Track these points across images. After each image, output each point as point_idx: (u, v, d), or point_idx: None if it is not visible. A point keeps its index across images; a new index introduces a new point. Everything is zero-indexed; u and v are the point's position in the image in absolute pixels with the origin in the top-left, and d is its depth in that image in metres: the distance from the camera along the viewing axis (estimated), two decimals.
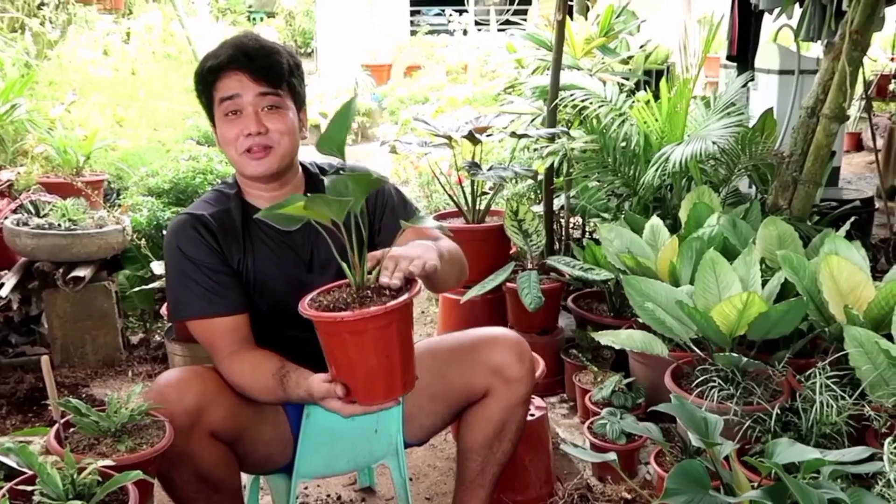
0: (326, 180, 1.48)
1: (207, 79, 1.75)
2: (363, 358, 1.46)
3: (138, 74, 6.40)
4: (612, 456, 1.82)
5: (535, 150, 3.41)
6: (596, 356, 2.77)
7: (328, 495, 2.33)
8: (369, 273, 1.49)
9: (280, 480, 1.91)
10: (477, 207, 3.20)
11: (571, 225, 3.62)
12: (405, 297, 1.45)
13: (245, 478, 1.84)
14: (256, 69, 1.72)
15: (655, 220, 2.71)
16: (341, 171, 1.91)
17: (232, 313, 1.74)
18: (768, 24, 4.46)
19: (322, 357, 1.56)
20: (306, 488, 2.35)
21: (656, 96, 3.18)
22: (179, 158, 3.93)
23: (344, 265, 1.49)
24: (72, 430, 1.62)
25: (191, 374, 1.69)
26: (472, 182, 3.16)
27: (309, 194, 1.80)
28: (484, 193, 3.28)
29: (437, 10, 11.41)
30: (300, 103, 1.81)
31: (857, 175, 6.24)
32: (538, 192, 3.58)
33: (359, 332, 1.43)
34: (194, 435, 1.62)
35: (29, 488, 1.36)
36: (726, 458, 1.68)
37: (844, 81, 2.81)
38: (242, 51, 1.72)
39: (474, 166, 3.00)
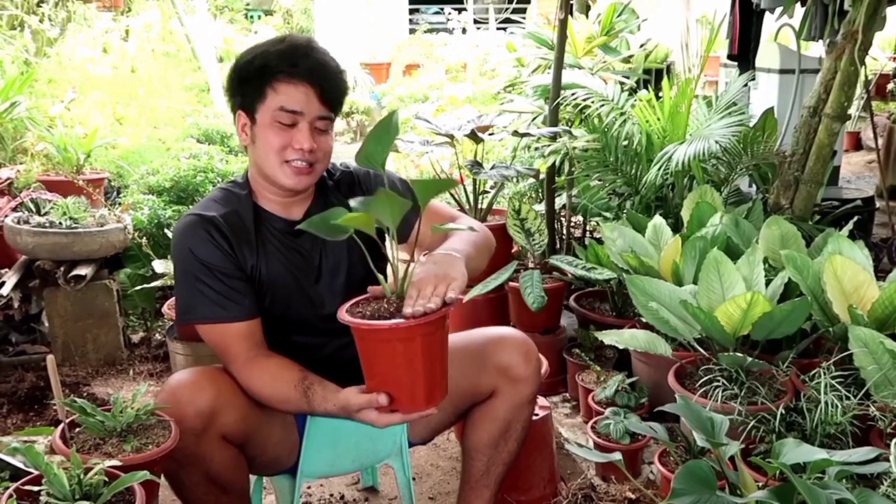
0: (378, 190, 1.43)
1: (270, 75, 1.68)
2: (410, 365, 1.47)
3: (138, 72, 6.39)
4: (617, 456, 1.82)
5: (536, 149, 3.41)
6: (598, 356, 2.78)
7: (331, 495, 2.32)
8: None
9: (284, 480, 1.91)
10: (479, 206, 3.20)
11: (573, 224, 3.62)
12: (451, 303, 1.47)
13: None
14: (328, 91, 1.69)
15: (658, 220, 2.71)
16: (348, 172, 1.91)
17: (246, 318, 1.71)
18: (769, 24, 4.46)
19: (330, 363, 1.56)
20: (309, 488, 2.34)
21: (657, 95, 3.18)
22: (180, 156, 3.93)
23: (381, 278, 1.52)
24: (77, 429, 1.62)
25: (204, 376, 1.67)
26: (474, 181, 3.16)
27: (331, 199, 1.84)
28: (485, 192, 3.28)
29: (435, 8, 11.40)
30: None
31: (856, 174, 6.25)
32: (540, 191, 3.58)
33: (410, 338, 1.44)
34: (206, 437, 1.61)
35: (35, 488, 1.35)
36: (731, 458, 1.68)
37: (847, 81, 2.81)
38: (323, 68, 1.69)
39: (476, 165, 3.00)
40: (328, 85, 1.70)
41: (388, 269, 1.57)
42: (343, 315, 1.48)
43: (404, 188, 1.85)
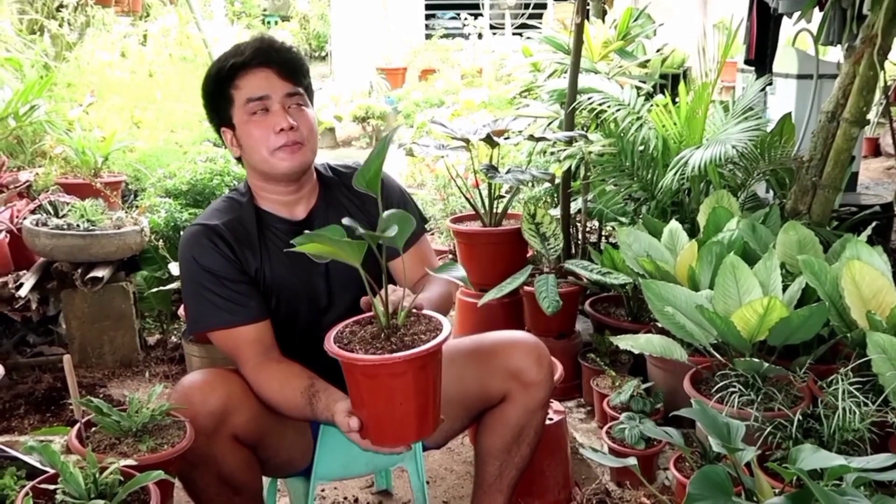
0: (385, 214, 1.39)
1: (229, 75, 1.73)
2: (373, 400, 1.43)
3: (155, 77, 6.42)
4: (632, 461, 1.81)
5: (551, 153, 3.41)
6: (614, 360, 2.76)
7: (345, 498, 2.32)
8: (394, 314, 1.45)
9: (298, 483, 1.91)
10: (494, 210, 3.19)
11: (588, 229, 3.61)
12: (427, 346, 1.38)
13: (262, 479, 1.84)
14: (283, 64, 1.74)
15: (674, 224, 2.69)
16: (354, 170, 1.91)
17: (254, 321, 1.73)
18: (786, 28, 4.43)
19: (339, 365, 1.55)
20: (323, 490, 2.34)
21: (673, 100, 3.17)
22: (196, 160, 3.94)
23: (376, 303, 1.44)
24: (93, 429, 1.62)
25: (216, 377, 1.69)
26: (490, 185, 3.16)
27: (326, 199, 1.84)
28: (501, 196, 3.28)
29: (452, 13, 11.41)
30: (312, 104, 1.84)
31: (874, 180, 6.20)
32: (555, 195, 3.58)
33: (370, 376, 1.40)
34: (217, 438, 1.62)
35: (51, 487, 1.36)
36: (748, 463, 1.66)
37: (865, 86, 2.79)
38: (270, 46, 1.74)
39: (492, 169, 3.00)
40: (283, 60, 1.74)
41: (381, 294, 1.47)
42: (330, 345, 1.40)
43: (403, 201, 1.89)
